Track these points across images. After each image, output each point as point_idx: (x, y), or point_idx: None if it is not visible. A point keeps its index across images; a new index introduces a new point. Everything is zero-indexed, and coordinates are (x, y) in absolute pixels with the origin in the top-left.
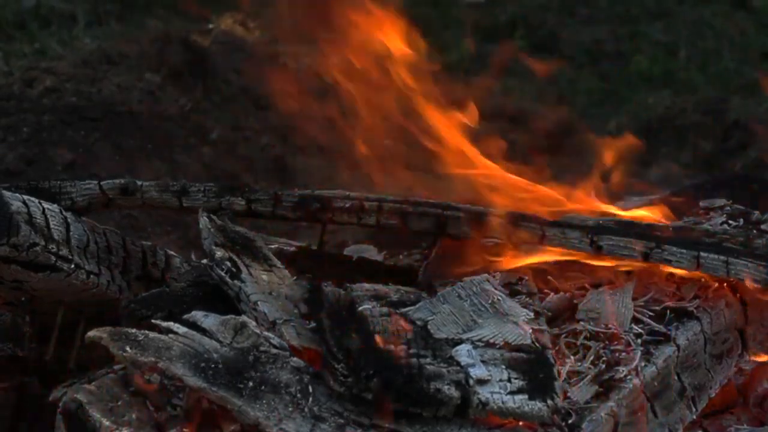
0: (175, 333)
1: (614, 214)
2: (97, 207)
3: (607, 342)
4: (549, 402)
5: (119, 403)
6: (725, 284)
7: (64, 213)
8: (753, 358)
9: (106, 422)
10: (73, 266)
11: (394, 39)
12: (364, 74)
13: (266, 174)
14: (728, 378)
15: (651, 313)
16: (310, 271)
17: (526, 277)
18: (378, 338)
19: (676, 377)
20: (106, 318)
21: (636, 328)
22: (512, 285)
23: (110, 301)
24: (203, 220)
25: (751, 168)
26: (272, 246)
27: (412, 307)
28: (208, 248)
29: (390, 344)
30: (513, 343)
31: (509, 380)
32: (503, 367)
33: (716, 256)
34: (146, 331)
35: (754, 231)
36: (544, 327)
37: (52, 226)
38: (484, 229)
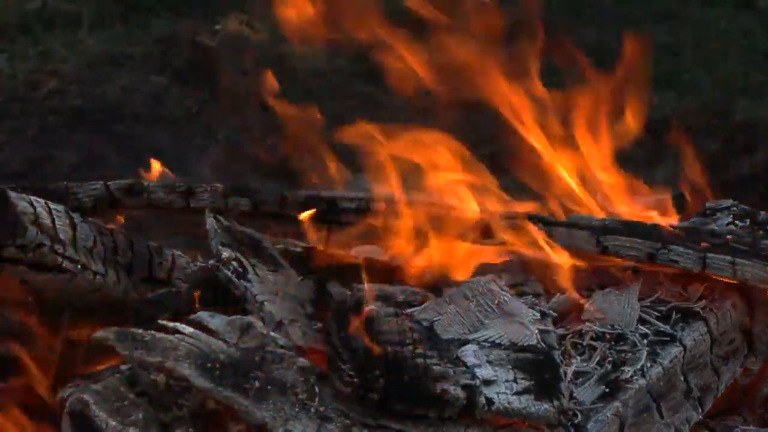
0: (182, 333)
1: (620, 215)
2: (104, 207)
3: (613, 342)
4: (555, 402)
5: (125, 403)
6: (731, 285)
7: (70, 213)
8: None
9: (112, 422)
10: (79, 267)
11: None
12: None
13: (272, 174)
14: (734, 378)
15: (657, 314)
16: (317, 271)
17: (533, 278)
18: (383, 339)
19: (682, 378)
20: (113, 318)
21: (642, 328)
22: (518, 285)
23: (117, 302)
24: (210, 221)
25: (758, 169)
26: (278, 246)
27: (418, 308)
28: (214, 248)
29: (396, 345)
30: (519, 344)
31: (515, 381)
32: (509, 367)
33: (723, 257)
34: (153, 332)
35: (761, 231)
36: (551, 327)
37: (58, 226)
38: (490, 230)
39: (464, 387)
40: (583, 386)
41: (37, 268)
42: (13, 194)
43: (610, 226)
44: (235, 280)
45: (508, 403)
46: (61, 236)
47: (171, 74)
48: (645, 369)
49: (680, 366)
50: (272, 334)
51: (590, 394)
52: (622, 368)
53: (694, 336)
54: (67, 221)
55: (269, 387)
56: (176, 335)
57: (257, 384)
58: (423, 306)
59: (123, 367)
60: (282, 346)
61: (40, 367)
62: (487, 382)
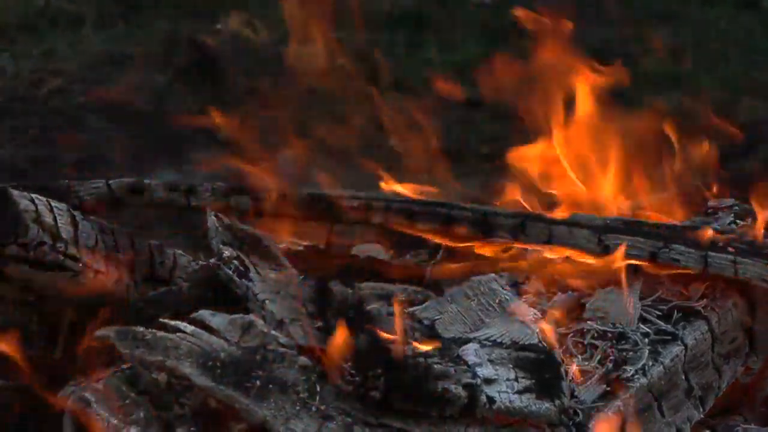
0: (183, 332)
1: (622, 214)
2: (105, 206)
3: (614, 341)
4: (556, 401)
5: (127, 402)
6: (733, 284)
7: (72, 212)
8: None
9: (113, 421)
10: (81, 265)
11: None
12: None
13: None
14: (735, 377)
15: (658, 313)
16: (318, 270)
17: (534, 277)
18: (385, 337)
19: (683, 376)
20: (114, 317)
21: (643, 327)
22: (520, 284)
23: (118, 301)
24: (211, 219)
25: (759, 168)
26: (280, 245)
27: (419, 307)
28: (215, 247)
29: (397, 343)
30: (520, 343)
31: (516, 379)
32: (510, 366)
33: (724, 256)
34: (154, 330)
35: (762, 230)
36: (552, 326)
37: (60, 224)
38: (491, 229)
39: (465, 386)
40: (585, 385)
41: (38, 266)
42: (14, 192)
43: (611, 225)
44: (237, 279)
45: (510, 401)
46: (63, 235)
47: (173, 74)
48: (646, 368)
49: (681, 365)
50: (273, 332)
51: (592, 393)
52: (624, 367)
53: (696, 335)
54: (69, 219)
55: (270, 386)
56: (177, 334)
57: (258, 383)
58: (424, 305)
59: (124, 366)
60: (283, 345)
61: (41, 366)
62: (489, 381)
